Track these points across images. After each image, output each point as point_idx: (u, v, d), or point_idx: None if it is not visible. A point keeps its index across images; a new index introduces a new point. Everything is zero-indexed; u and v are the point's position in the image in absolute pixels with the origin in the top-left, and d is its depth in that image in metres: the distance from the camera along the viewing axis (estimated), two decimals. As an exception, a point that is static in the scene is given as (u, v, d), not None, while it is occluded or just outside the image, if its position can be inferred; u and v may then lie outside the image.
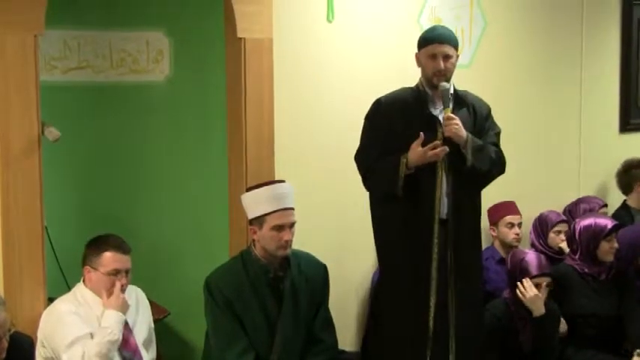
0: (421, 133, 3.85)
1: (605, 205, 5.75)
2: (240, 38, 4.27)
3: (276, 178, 4.37)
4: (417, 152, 3.86)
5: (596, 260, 4.73)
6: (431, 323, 3.99)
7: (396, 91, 4.13)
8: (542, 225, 5.42)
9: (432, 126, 3.94)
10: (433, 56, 3.98)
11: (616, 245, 4.75)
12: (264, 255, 3.86)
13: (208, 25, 4.57)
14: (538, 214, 5.46)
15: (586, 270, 4.74)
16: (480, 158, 3.98)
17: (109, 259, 3.67)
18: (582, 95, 6.00)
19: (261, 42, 4.33)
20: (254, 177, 4.33)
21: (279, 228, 3.79)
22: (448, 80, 4.00)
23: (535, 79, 5.69)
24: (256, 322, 3.82)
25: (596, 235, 4.73)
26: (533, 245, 5.38)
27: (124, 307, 3.65)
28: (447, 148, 3.86)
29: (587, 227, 4.79)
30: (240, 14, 4.25)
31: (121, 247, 3.72)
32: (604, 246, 4.72)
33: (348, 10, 4.70)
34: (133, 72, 4.68)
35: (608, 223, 4.76)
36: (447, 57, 3.98)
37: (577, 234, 4.83)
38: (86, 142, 4.59)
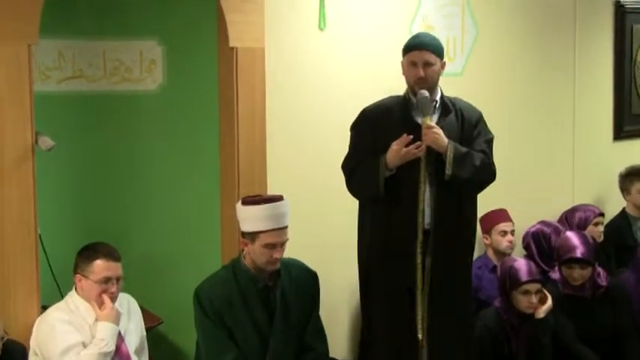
0: (404, 134, 3.87)
1: (602, 215, 5.73)
2: (232, 47, 4.30)
3: (268, 186, 4.42)
4: (393, 150, 3.88)
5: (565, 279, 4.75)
6: (420, 335, 4.00)
7: (381, 100, 4.16)
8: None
9: (416, 134, 3.92)
10: (413, 63, 3.99)
11: (576, 275, 4.68)
12: (253, 266, 3.85)
13: (201, 34, 4.58)
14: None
15: (568, 291, 4.72)
16: (461, 166, 3.94)
17: (99, 266, 3.68)
18: (575, 103, 6.04)
19: (253, 51, 4.36)
20: (246, 185, 4.36)
21: (272, 246, 3.78)
22: (431, 88, 4.00)
23: (528, 87, 5.72)
24: (247, 332, 3.82)
25: (560, 256, 4.77)
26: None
27: (116, 318, 3.67)
28: (424, 147, 3.87)
29: (560, 243, 4.87)
30: (232, 23, 4.27)
31: (111, 254, 3.73)
32: (565, 270, 4.73)
33: (340, 19, 4.73)
34: (126, 81, 4.69)
35: (577, 250, 4.68)
36: (427, 64, 3.98)
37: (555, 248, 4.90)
38: (80, 150, 4.59)
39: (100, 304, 3.67)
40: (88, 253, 3.73)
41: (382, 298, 4.09)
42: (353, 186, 4.11)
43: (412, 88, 4.03)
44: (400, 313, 4.04)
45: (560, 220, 5.71)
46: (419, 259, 3.98)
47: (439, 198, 4.00)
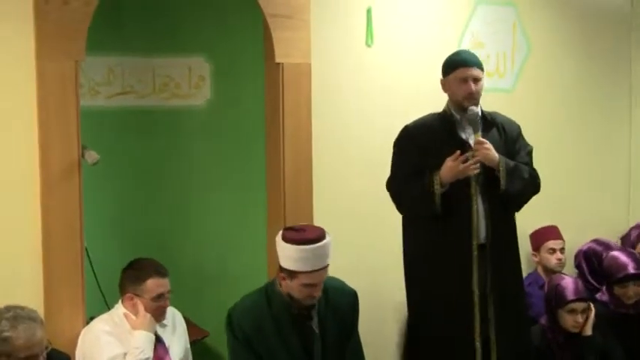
0: (457, 151, 3.88)
1: None
2: (279, 63, 4.33)
3: (314, 202, 4.43)
4: (448, 167, 3.88)
5: (615, 297, 4.66)
6: (478, 355, 3.98)
7: (422, 117, 4.16)
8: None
9: (462, 150, 3.93)
10: (464, 80, 3.99)
11: (631, 293, 4.61)
12: (289, 294, 3.69)
13: (248, 50, 4.64)
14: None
15: (616, 309, 4.63)
16: (512, 180, 3.98)
17: (152, 285, 3.72)
18: (632, 120, 5.91)
19: (299, 67, 4.38)
20: (292, 201, 4.39)
21: (311, 285, 3.64)
22: (477, 104, 4.02)
23: (581, 104, 5.62)
24: (279, 358, 3.69)
25: (612, 275, 4.67)
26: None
27: (151, 326, 3.71)
28: (478, 165, 3.87)
29: (609, 262, 4.76)
30: (279, 40, 4.30)
31: (160, 271, 3.77)
32: (618, 290, 4.65)
33: (388, 35, 4.73)
34: (175, 97, 4.77)
35: (628, 268, 4.62)
36: (476, 80, 4.01)
37: (604, 265, 4.80)
38: (128, 164, 4.67)
39: (135, 313, 3.71)
40: (137, 272, 3.76)
41: (440, 314, 4.04)
42: (404, 205, 4.09)
43: (460, 105, 4.02)
44: (459, 330, 4.00)
45: (622, 239, 5.60)
46: (475, 275, 3.97)
47: (493, 212, 4.02)
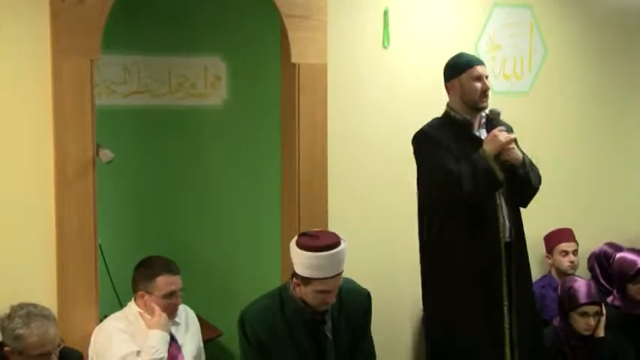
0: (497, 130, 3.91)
1: None
2: (295, 64, 4.33)
3: (329, 202, 4.42)
4: (493, 135, 3.89)
5: (630, 298, 4.66)
6: (507, 350, 3.96)
7: (431, 122, 4.11)
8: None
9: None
10: (478, 78, 3.99)
11: None
12: (302, 298, 3.66)
13: (264, 50, 4.65)
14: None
15: (628, 310, 4.65)
16: (535, 176, 4.04)
17: (163, 282, 3.72)
18: (649, 123, 5.90)
19: (315, 67, 4.39)
20: (307, 200, 4.39)
21: (325, 292, 3.58)
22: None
23: (598, 107, 5.59)
24: None
25: (623, 273, 4.69)
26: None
27: (166, 326, 3.71)
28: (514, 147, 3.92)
29: (619, 262, 4.78)
30: (295, 40, 4.31)
31: (171, 269, 3.77)
32: (631, 287, 4.66)
33: (404, 36, 4.72)
34: (190, 96, 4.78)
35: (638, 264, 4.68)
36: (487, 77, 4.04)
37: (613, 268, 4.79)
38: (144, 163, 4.69)
39: (151, 312, 3.72)
40: (148, 270, 3.76)
41: (471, 314, 3.99)
42: (466, 185, 3.83)
43: (474, 104, 4.01)
44: (488, 327, 3.98)
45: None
46: (504, 273, 3.96)
47: (515, 211, 4.06)
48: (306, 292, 3.59)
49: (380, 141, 4.66)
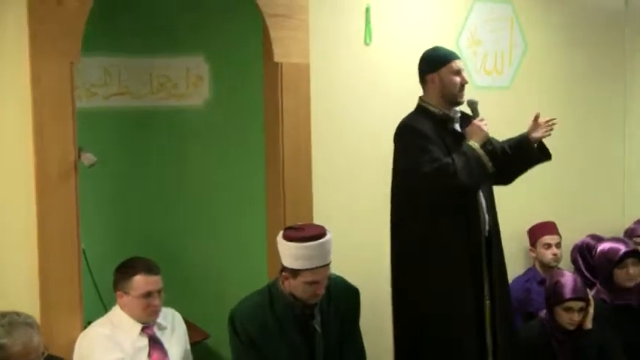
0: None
1: None
2: (277, 63, 4.31)
3: (314, 200, 4.40)
4: (475, 126, 3.93)
5: (616, 287, 4.68)
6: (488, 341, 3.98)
7: (409, 117, 4.07)
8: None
9: (460, 143, 3.92)
10: (458, 72, 3.99)
11: (632, 272, 4.69)
12: (292, 293, 3.68)
13: (246, 50, 4.62)
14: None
15: (614, 301, 4.68)
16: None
17: (139, 282, 3.68)
18: (626, 114, 5.95)
19: (297, 66, 4.37)
20: (292, 199, 4.38)
21: (314, 283, 3.62)
22: None
23: (577, 100, 5.66)
24: (282, 358, 3.67)
25: (609, 261, 4.71)
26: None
27: None
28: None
29: (602, 253, 4.80)
30: (277, 39, 4.29)
31: (150, 269, 3.73)
32: (618, 273, 4.68)
33: (386, 33, 4.73)
34: (172, 97, 4.75)
35: (621, 249, 4.71)
36: (464, 71, 4.04)
37: (596, 260, 4.82)
38: (127, 165, 4.65)
39: (130, 313, 3.70)
40: (127, 269, 3.73)
41: (453, 310, 3.96)
42: (462, 176, 3.81)
43: (453, 98, 4.00)
44: (470, 321, 3.97)
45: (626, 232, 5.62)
46: (485, 267, 3.96)
47: (492, 204, 4.07)
48: (295, 285, 3.62)
49: (364, 138, 4.65)
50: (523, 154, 4.14)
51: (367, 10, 4.62)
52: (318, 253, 3.59)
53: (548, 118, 4.12)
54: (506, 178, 4.23)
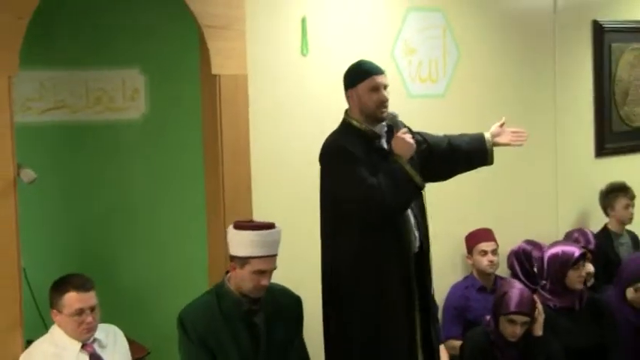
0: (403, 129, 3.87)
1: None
2: (215, 75, 4.29)
3: (254, 213, 4.40)
4: (400, 139, 3.81)
5: (566, 289, 4.76)
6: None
7: (336, 134, 3.97)
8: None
9: (386, 159, 3.83)
10: (376, 88, 3.84)
11: (584, 274, 4.80)
12: (238, 290, 3.76)
13: (184, 62, 4.60)
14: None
15: (558, 304, 4.76)
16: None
17: (71, 299, 3.61)
18: (557, 121, 6.04)
19: (235, 78, 4.36)
20: (231, 212, 4.33)
21: (261, 273, 3.69)
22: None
23: (509, 107, 5.68)
24: (230, 356, 3.72)
25: (564, 263, 4.77)
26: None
27: None
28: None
29: (555, 256, 4.84)
30: (215, 51, 4.27)
31: (82, 285, 3.65)
32: (572, 275, 4.75)
33: (323, 44, 4.73)
34: (109, 110, 4.70)
35: (576, 252, 4.80)
36: (385, 87, 3.88)
37: (545, 264, 4.87)
38: (64, 181, 4.58)
39: (66, 330, 3.65)
40: (59, 287, 3.66)
41: (384, 326, 3.91)
42: (389, 197, 3.71)
43: (372, 115, 3.86)
44: (402, 336, 3.92)
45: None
46: (415, 284, 3.91)
47: (423, 220, 4.00)
48: (242, 276, 3.70)
49: (303, 149, 4.63)
50: (478, 153, 4.18)
51: (303, 20, 4.62)
52: (269, 241, 3.72)
53: (516, 129, 4.16)
54: (447, 175, 4.22)
